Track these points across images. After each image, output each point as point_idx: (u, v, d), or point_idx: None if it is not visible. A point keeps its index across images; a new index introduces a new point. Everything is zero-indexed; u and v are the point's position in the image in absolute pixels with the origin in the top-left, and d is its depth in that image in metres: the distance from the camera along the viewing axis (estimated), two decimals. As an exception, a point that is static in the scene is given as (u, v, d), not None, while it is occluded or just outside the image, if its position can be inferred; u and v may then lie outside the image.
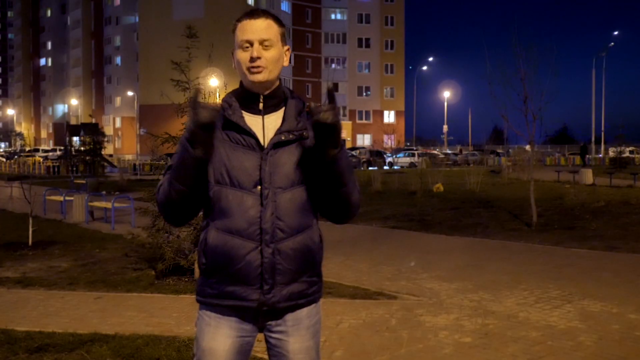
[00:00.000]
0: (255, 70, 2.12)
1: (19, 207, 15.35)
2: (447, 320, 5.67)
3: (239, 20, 2.18)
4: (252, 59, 2.11)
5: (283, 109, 2.20)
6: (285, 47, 2.21)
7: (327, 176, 2.08)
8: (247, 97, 2.19)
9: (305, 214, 2.15)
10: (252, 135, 2.13)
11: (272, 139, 2.13)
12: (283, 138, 2.13)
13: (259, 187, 2.10)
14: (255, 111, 2.18)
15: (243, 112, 2.17)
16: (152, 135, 8.53)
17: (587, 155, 45.27)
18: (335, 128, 2.00)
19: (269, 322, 2.19)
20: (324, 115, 1.97)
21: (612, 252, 9.41)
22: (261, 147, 2.13)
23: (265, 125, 2.17)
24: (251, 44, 2.13)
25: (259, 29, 2.13)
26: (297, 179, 2.14)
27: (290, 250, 2.12)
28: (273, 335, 2.21)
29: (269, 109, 2.19)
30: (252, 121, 2.16)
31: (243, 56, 2.14)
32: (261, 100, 2.18)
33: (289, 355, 2.19)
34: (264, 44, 2.13)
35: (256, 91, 2.17)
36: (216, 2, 65.56)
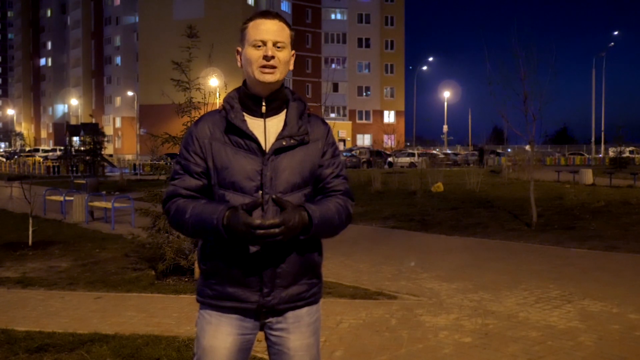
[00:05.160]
0: (267, 70, 2.12)
1: (19, 207, 15.35)
2: (447, 320, 5.67)
3: (250, 19, 2.18)
4: (267, 58, 2.11)
5: (285, 111, 2.20)
6: (292, 52, 2.22)
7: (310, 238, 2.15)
8: (249, 98, 2.19)
9: None
10: (254, 139, 2.13)
11: (273, 144, 2.13)
12: (284, 144, 2.13)
13: (260, 191, 2.11)
14: (257, 114, 2.18)
15: (245, 114, 2.17)
16: (152, 135, 8.53)
17: (485, 157, 45.34)
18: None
19: (270, 320, 2.20)
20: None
21: (612, 252, 9.41)
22: (262, 152, 2.13)
23: (267, 129, 2.17)
24: (264, 43, 2.13)
25: (273, 29, 2.13)
26: (298, 184, 2.15)
27: (290, 253, 2.13)
28: (274, 332, 2.21)
29: (270, 112, 2.19)
30: (253, 124, 2.16)
31: (255, 54, 2.13)
32: (264, 103, 2.17)
33: (289, 353, 2.20)
34: (277, 44, 2.13)
35: (260, 92, 2.17)
36: (216, 2, 65.57)
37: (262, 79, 2.13)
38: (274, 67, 2.12)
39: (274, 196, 2.05)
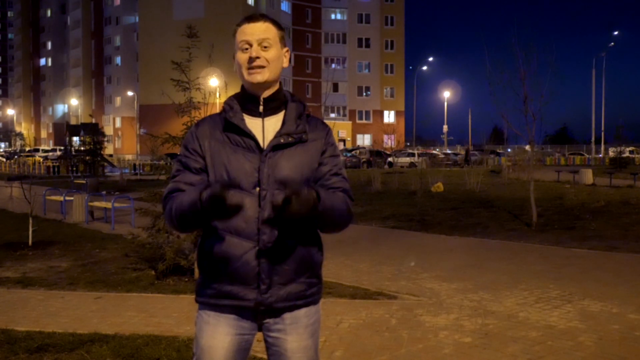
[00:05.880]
0: (254, 71, 2.15)
1: (19, 207, 15.35)
2: (447, 320, 5.67)
3: (238, 24, 2.22)
4: (251, 59, 2.14)
5: (283, 112, 2.22)
6: (285, 49, 2.24)
7: (315, 220, 2.06)
8: (247, 99, 2.21)
9: None
10: (252, 137, 2.15)
11: (271, 141, 2.15)
12: (282, 141, 2.15)
13: (258, 188, 2.12)
14: (255, 114, 2.20)
15: (244, 114, 2.20)
16: (152, 135, 8.54)
17: (469, 158, 45.81)
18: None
19: (268, 321, 2.20)
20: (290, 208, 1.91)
21: (612, 252, 9.41)
22: (260, 149, 2.15)
23: (265, 128, 2.19)
24: (250, 45, 2.16)
25: (258, 30, 2.16)
26: (296, 181, 2.15)
27: (288, 250, 2.13)
28: (271, 334, 2.22)
29: (269, 112, 2.21)
30: (252, 123, 2.18)
31: (242, 57, 2.17)
32: (261, 102, 2.20)
33: (286, 354, 2.20)
34: (262, 44, 2.16)
35: (256, 92, 2.20)
36: (216, 2, 65.57)
37: (250, 79, 2.16)
38: (261, 66, 2.15)
39: (273, 200, 1.97)
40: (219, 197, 1.90)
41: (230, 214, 1.94)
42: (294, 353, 2.20)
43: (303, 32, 77.23)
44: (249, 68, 2.15)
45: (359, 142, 77.63)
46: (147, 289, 6.98)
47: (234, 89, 2.35)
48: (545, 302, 6.31)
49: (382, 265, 8.50)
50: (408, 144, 75.88)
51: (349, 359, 4.67)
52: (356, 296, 6.61)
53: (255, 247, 2.11)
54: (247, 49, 2.16)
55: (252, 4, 67.57)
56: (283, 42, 2.23)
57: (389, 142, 59.82)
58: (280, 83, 2.26)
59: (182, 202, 2.07)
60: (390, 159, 46.30)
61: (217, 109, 2.38)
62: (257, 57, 2.14)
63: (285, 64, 2.25)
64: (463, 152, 50.19)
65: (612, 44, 69.16)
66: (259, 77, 2.15)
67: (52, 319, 5.77)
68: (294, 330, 2.20)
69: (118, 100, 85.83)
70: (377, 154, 46.88)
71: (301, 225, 2.08)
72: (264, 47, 2.16)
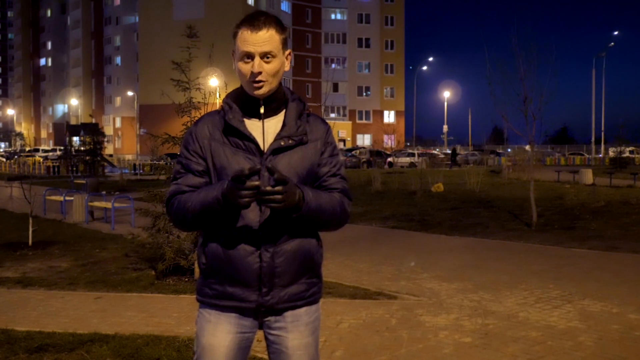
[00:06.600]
0: (256, 85, 2.11)
1: (19, 207, 15.35)
2: (447, 320, 5.67)
3: (239, 26, 2.13)
4: (253, 74, 2.09)
5: (283, 111, 2.20)
6: (287, 52, 2.19)
7: (302, 221, 2.09)
8: (247, 100, 2.18)
9: None
10: (252, 140, 2.13)
11: (271, 144, 2.13)
12: (282, 144, 2.13)
13: None
14: (255, 115, 2.18)
15: (243, 115, 2.17)
16: (152, 135, 8.54)
17: (457, 157, 45.94)
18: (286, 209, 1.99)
19: (268, 319, 2.20)
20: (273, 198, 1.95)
21: (612, 252, 9.41)
22: (261, 152, 2.13)
23: (265, 130, 2.16)
24: (252, 58, 2.10)
25: (260, 41, 2.08)
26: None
27: (289, 253, 2.13)
28: (272, 332, 2.22)
29: (269, 113, 2.18)
30: (252, 125, 2.16)
31: (244, 68, 2.11)
32: (261, 104, 2.17)
33: (287, 352, 2.20)
34: (265, 57, 2.10)
35: (256, 96, 2.17)
36: (216, 2, 65.56)
37: (253, 93, 2.13)
38: (262, 81, 2.10)
39: (269, 165, 2.02)
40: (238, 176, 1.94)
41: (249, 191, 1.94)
42: (295, 350, 2.20)
43: (303, 32, 77.22)
44: (251, 81, 2.11)
45: (359, 142, 77.62)
46: (147, 289, 6.98)
47: (234, 88, 2.32)
48: (545, 302, 6.32)
49: (382, 265, 8.50)
50: (408, 144, 75.88)
51: (349, 359, 4.67)
52: (356, 296, 6.61)
53: (256, 249, 2.11)
54: (248, 60, 2.10)
55: (252, 4, 67.56)
56: (285, 45, 2.17)
57: (389, 142, 59.87)
58: (280, 82, 2.22)
59: (199, 202, 2.07)
60: (390, 159, 46.31)
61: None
62: (259, 73, 2.09)
63: (287, 67, 2.21)
64: (463, 152, 50.17)
65: (612, 44, 69.13)
66: (261, 91, 2.12)
67: (52, 319, 5.77)
68: (295, 328, 2.20)
69: (118, 100, 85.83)
70: (377, 154, 46.84)
71: (297, 223, 2.09)
72: (267, 60, 2.10)
